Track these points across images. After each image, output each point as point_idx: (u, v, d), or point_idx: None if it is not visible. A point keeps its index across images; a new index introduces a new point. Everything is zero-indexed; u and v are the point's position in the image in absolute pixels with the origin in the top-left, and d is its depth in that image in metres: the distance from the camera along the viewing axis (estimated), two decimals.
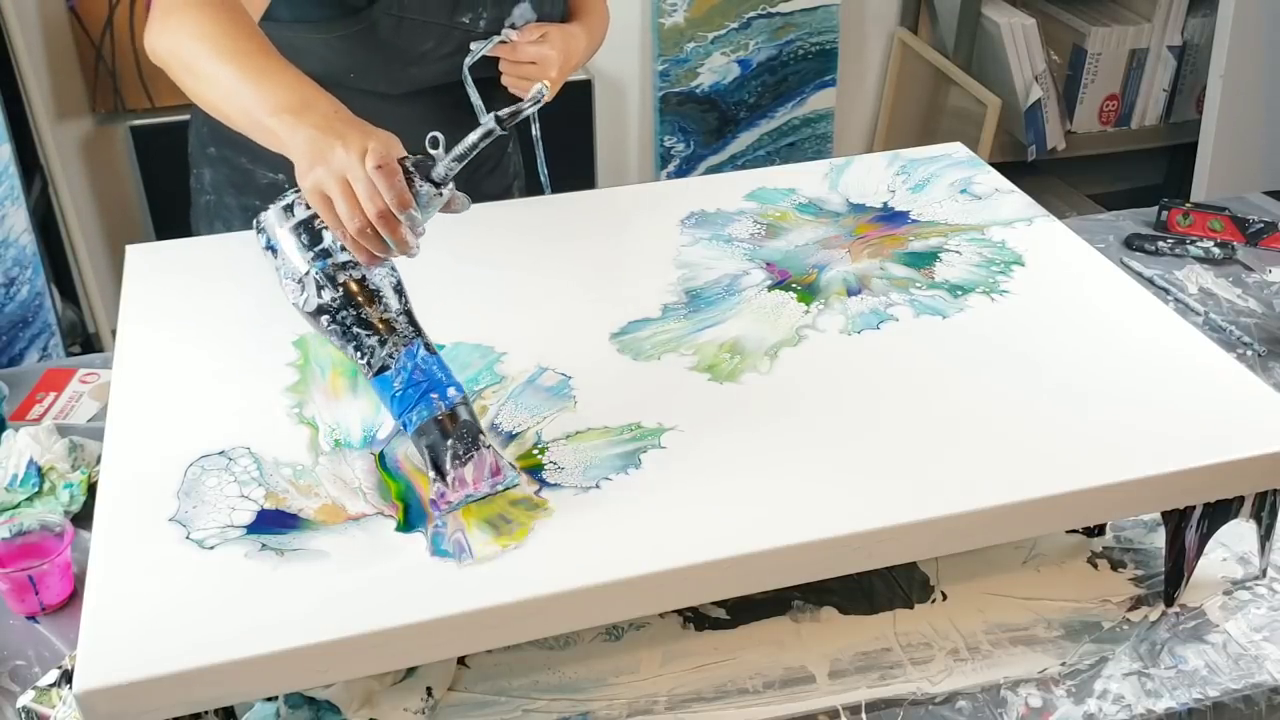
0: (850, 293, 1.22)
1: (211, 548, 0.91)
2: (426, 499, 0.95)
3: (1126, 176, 3.15)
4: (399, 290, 1.01)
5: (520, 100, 1.37)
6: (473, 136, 0.99)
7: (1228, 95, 2.53)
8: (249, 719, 0.95)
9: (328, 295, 1.00)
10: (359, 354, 0.99)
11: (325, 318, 1.00)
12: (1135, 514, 1.14)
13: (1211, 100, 2.56)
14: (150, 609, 0.86)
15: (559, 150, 1.59)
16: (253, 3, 1.18)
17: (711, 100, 2.83)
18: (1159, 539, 1.11)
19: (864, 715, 0.98)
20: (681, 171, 2.88)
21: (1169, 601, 1.08)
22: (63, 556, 1.08)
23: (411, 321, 1.00)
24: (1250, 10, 2.47)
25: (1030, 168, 2.83)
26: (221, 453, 1.00)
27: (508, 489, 0.96)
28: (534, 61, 1.35)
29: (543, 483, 0.97)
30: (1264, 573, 1.11)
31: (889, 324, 1.17)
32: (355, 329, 0.99)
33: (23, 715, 0.96)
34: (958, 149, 1.50)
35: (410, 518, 0.95)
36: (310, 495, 0.97)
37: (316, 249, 1.00)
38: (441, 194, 0.98)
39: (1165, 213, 1.69)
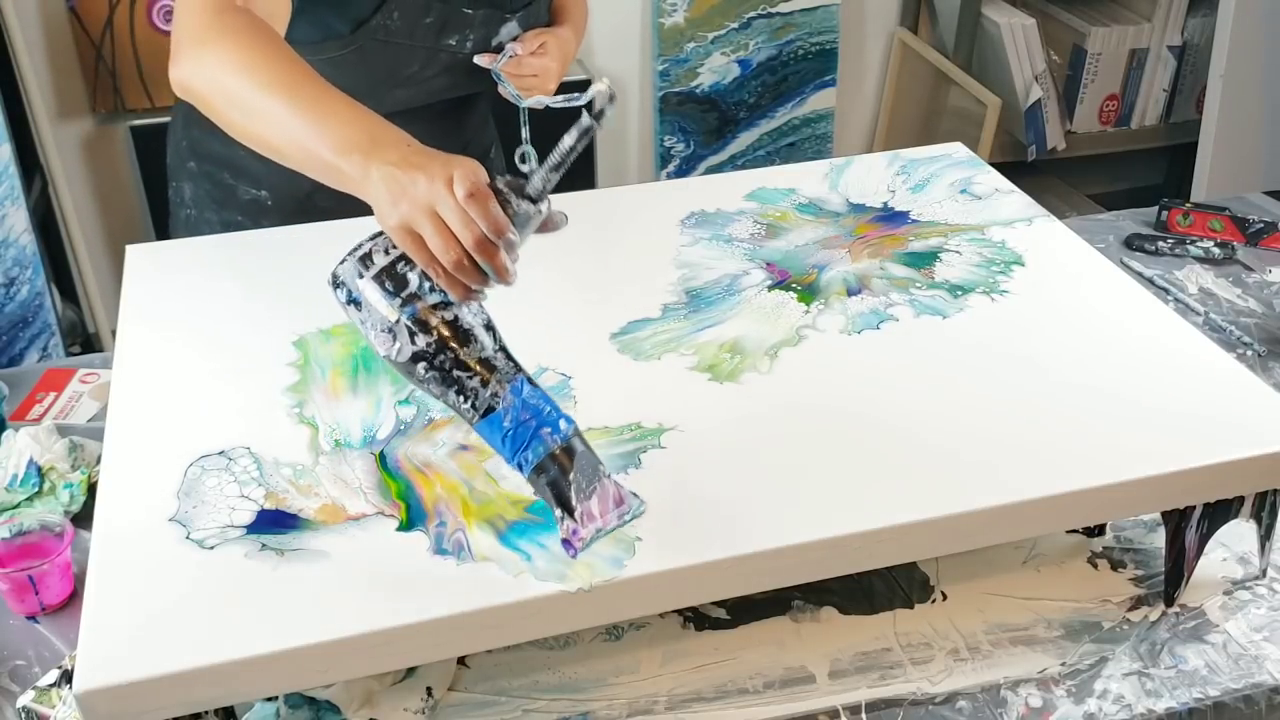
0: (850, 293, 1.22)
1: (211, 548, 0.91)
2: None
3: (1126, 176, 3.15)
4: (490, 328, 0.96)
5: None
6: (568, 140, 0.93)
7: (1228, 95, 2.53)
8: (249, 719, 0.95)
9: (422, 341, 0.93)
10: (462, 398, 0.93)
11: (422, 365, 0.94)
12: (1135, 514, 1.14)
13: (1211, 100, 2.56)
14: (150, 609, 0.86)
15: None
16: (275, 24, 1.14)
17: (711, 100, 2.83)
18: (1159, 539, 1.11)
19: (864, 715, 0.98)
20: (681, 171, 2.88)
21: (1169, 601, 1.08)
22: (63, 556, 1.08)
23: (509, 357, 0.95)
24: (1250, 10, 2.48)
25: (1030, 168, 2.83)
26: (221, 453, 1.00)
27: (635, 518, 0.93)
28: (536, 74, 1.35)
29: None
30: (1264, 573, 1.11)
31: (889, 324, 1.17)
32: (455, 372, 0.93)
33: (23, 715, 0.96)
34: (958, 149, 1.50)
35: (410, 518, 0.95)
36: (310, 495, 0.97)
37: (404, 295, 0.94)
38: (540, 210, 0.93)
39: (1165, 213, 1.69)
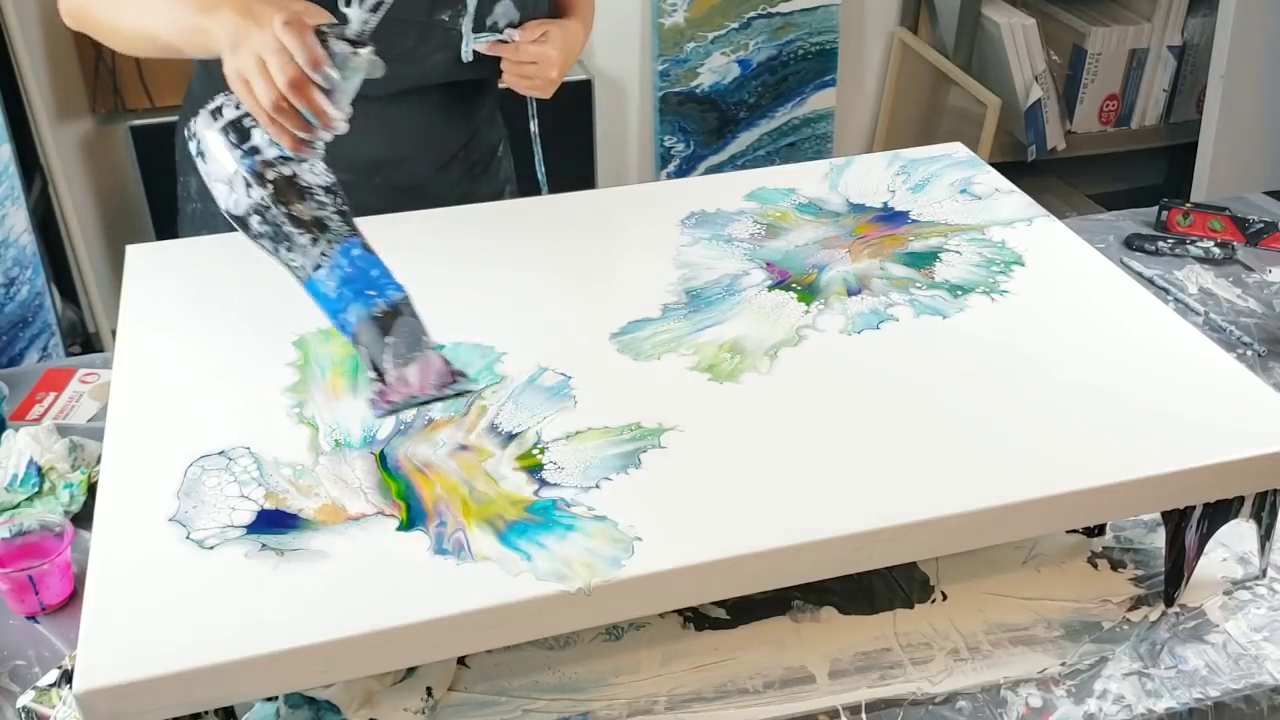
0: (850, 293, 1.22)
1: (211, 548, 0.91)
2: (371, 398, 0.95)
3: (1126, 176, 3.15)
4: (332, 190, 0.98)
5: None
6: None
7: (1228, 95, 2.53)
8: (249, 719, 0.95)
9: (257, 194, 0.96)
10: (291, 254, 0.96)
11: (256, 218, 0.97)
12: (1135, 514, 1.14)
13: (1211, 100, 2.56)
14: (150, 609, 0.86)
15: (559, 150, 1.59)
16: None
17: (711, 100, 2.84)
18: (1159, 539, 1.11)
19: (864, 715, 0.98)
20: (681, 171, 2.88)
21: (1169, 601, 1.08)
22: (63, 556, 1.08)
23: (347, 221, 0.97)
24: (1250, 10, 2.48)
25: (1030, 168, 2.83)
26: (221, 453, 1.00)
27: (461, 394, 0.94)
28: (535, 61, 1.34)
29: (543, 482, 0.97)
30: (1264, 573, 1.11)
31: (889, 324, 1.17)
32: (286, 228, 0.96)
33: (23, 715, 0.96)
34: (958, 149, 1.50)
35: (410, 518, 0.95)
36: (310, 495, 0.97)
37: (245, 146, 0.97)
38: (359, 54, 0.95)
39: (1165, 213, 1.69)
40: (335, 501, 0.96)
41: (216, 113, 0.99)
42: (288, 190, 0.96)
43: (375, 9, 0.94)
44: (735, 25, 2.78)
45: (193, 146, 1.00)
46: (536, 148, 1.48)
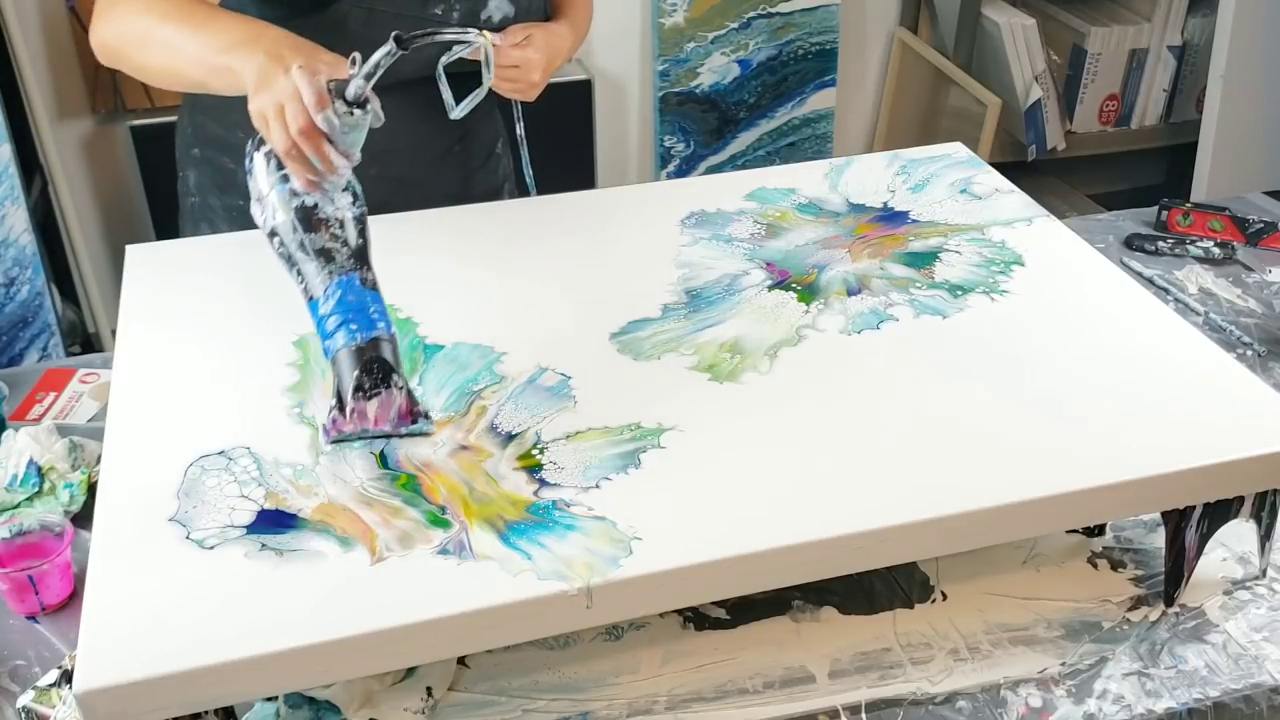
0: (850, 293, 1.22)
1: (211, 548, 0.91)
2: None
3: (1126, 176, 3.15)
4: (360, 223, 1.05)
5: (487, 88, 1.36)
6: (376, 55, 1.02)
7: (1228, 95, 2.53)
8: (249, 719, 0.95)
9: (280, 217, 1.04)
10: (298, 277, 1.03)
11: (276, 239, 1.05)
12: (1135, 514, 1.14)
13: (1211, 100, 2.56)
14: (150, 609, 0.86)
15: (559, 150, 1.59)
16: None
17: (711, 100, 2.83)
18: (1159, 539, 1.11)
19: (864, 715, 0.98)
20: (681, 171, 2.88)
21: (1169, 601, 1.08)
22: (63, 556, 1.08)
23: (355, 255, 1.04)
24: (1250, 10, 2.48)
25: (1030, 168, 2.83)
26: (221, 453, 1.00)
27: (413, 435, 0.99)
28: (516, 65, 1.33)
29: (542, 482, 0.97)
30: (1264, 573, 1.11)
31: (889, 324, 1.17)
32: (298, 253, 1.03)
33: (23, 715, 0.96)
34: (958, 149, 1.50)
35: None
36: (310, 495, 0.96)
37: (281, 173, 1.05)
38: (354, 114, 1.02)
39: (1165, 213, 1.69)
40: (335, 501, 0.96)
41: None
42: (303, 219, 1.04)
43: (368, 77, 1.02)
44: (735, 25, 2.77)
45: (247, 163, 1.09)
46: (523, 150, 1.48)
